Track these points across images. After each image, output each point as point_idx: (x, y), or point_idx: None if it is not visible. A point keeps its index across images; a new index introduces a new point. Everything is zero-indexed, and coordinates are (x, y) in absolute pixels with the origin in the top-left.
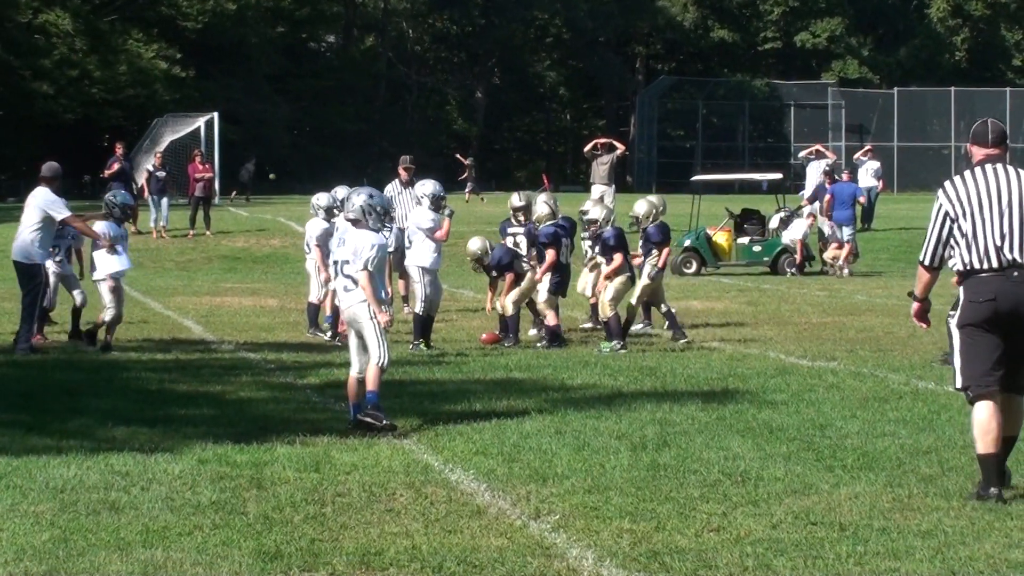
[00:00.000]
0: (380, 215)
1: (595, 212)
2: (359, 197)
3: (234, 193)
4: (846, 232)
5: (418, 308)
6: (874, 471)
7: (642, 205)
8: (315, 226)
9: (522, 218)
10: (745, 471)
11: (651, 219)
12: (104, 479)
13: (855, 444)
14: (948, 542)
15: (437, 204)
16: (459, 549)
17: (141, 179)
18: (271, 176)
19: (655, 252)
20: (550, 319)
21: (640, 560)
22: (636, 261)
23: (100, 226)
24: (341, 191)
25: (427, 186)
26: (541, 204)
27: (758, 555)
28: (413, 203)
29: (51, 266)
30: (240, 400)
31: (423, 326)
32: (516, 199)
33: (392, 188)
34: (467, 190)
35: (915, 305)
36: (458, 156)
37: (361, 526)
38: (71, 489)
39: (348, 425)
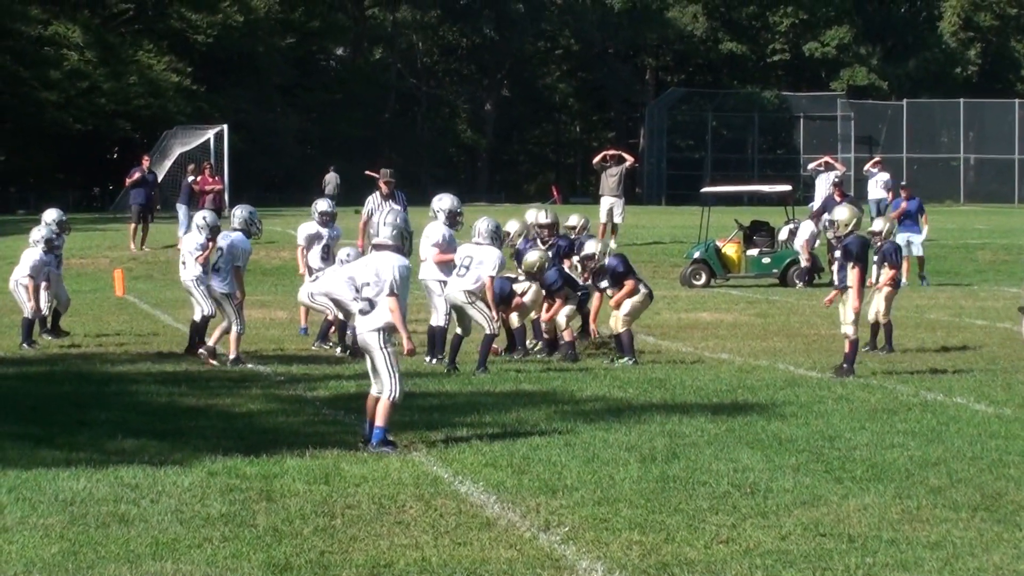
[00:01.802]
0: (410, 238)
1: (590, 247)
2: (391, 219)
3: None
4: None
5: (490, 330)
6: (883, 483)
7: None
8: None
9: (545, 233)
10: (754, 483)
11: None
12: (113, 492)
13: (864, 456)
14: (957, 553)
15: (453, 220)
16: (469, 561)
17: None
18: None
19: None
20: (566, 335)
21: (649, 572)
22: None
23: (237, 242)
24: (321, 204)
25: (444, 201)
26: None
27: (767, 567)
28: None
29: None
30: (249, 413)
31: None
32: (543, 216)
33: (372, 201)
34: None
35: None
36: (368, 172)
37: (371, 538)
38: (80, 502)
39: (360, 440)
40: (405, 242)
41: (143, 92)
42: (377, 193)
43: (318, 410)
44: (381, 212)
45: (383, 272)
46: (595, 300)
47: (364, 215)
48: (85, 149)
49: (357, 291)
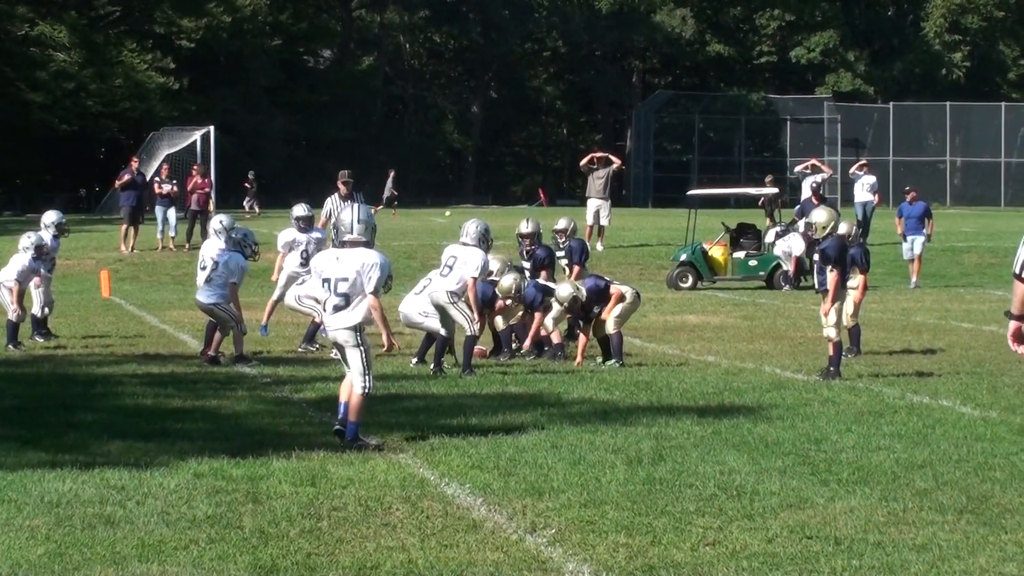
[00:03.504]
0: (375, 231)
1: (564, 291)
2: (363, 215)
3: (379, 207)
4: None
5: (470, 331)
6: (869, 485)
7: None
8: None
9: (527, 243)
10: (741, 485)
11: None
12: (99, 493)
13: (850, 458)
14: (943, 556)
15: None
16: (455, 563)
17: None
18: None
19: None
20: (555, 337)
21: (636, 574)
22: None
23: (233, 259)
24: (298, 209)
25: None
26: (508, 276)
27: (754, 569)
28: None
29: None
30: (236, 414)
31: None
32: (525, 225)
33: (332, 202)
34: (247, 204)
35: (1012, 325)
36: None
37: (357, 540)
38: (66, 503)
39: (334, 426)
40: (372, 237)
41: (129, 94)
42: (336, 194)
43: (304, 412)
44: (346, 210)
45: (366, 269)
46: (582, 339)
47: (323, 216)
48: (72, 150)
49: (330, 288)
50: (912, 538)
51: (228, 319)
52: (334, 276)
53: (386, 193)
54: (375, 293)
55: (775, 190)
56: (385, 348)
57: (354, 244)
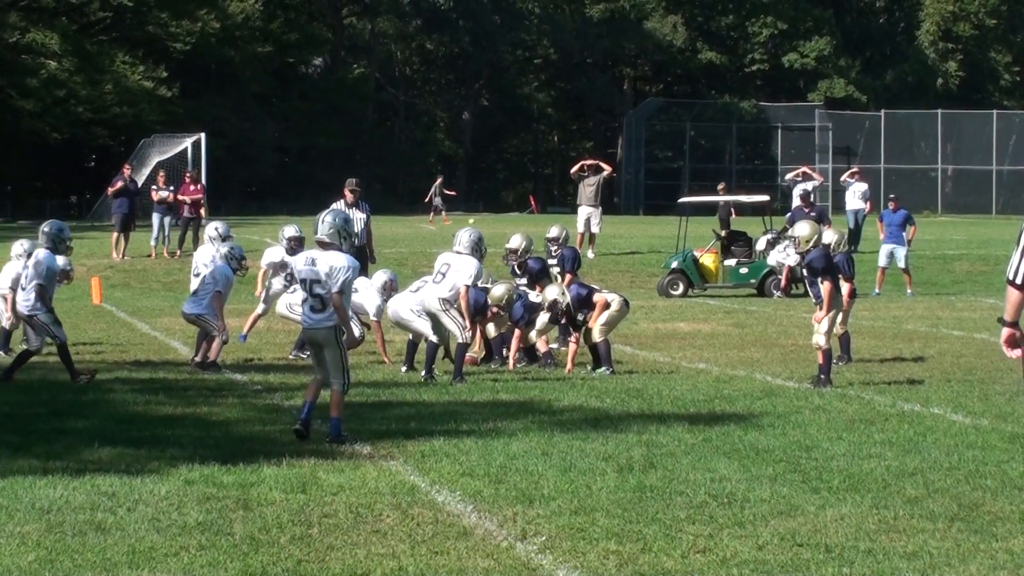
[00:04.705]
0: (350, 238)
1: (551, 292)
2: (330, 218)
3: (432, 216)
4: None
5: (462, 339)
6: (860, 493)
7: (517, 239)
8: (273, 254)
9: (513, 259)
10: (731, 493)
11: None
12: (90, 500)
13: (841, 466)
14: (933, 564)
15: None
16: (445, 570)
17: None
18: None
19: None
20: (541, 345)
21: None
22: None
23: (219, 269)
24: (289, 229)
25: (472, 234)
26: (498, 287)
27: None
28: (359, 224)
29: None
30: (226, 421)
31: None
32: (514, 240)
33: (336, 207)
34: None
35: (1005, 331)
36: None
37: (348, 547)
38: (57, 510)
39: (296, 425)
40: (344, 242)
41: (120, 100)
42: (342, 201)
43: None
44: (322, 214)
45: (334, 271)
46: (572, 347)
47: None
48: (62, 157)
49: (306, 288)
50: (903, 546)
51: (212, 329)
52: (309, 277)
53: (436, 200)
54: (340, 293)
55: (766, 198)
56: (347, 343)
57: (328, 247)
